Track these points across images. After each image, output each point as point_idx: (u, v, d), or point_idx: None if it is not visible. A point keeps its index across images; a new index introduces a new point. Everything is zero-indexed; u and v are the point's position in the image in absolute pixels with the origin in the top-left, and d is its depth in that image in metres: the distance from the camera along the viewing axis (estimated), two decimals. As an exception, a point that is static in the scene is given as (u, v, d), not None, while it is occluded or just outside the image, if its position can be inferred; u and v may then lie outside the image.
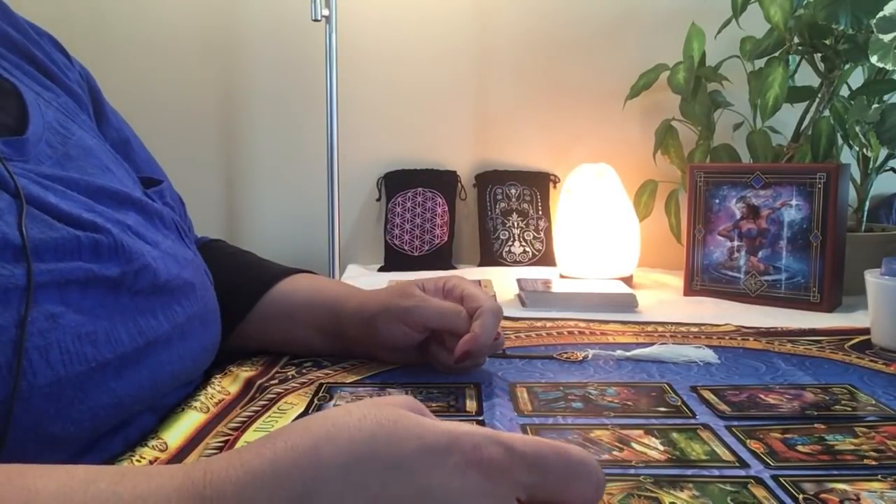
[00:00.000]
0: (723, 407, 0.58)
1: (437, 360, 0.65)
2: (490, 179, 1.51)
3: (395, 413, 0.31)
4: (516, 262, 1.45)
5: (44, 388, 0.37)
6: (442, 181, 1.51)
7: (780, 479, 0.44)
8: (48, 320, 0.38)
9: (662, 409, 0.57)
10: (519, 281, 1.12)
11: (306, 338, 0.69)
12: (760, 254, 1.05)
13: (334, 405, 0.57)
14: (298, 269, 0.73)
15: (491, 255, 1.47)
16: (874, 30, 0.94)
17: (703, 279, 1.10)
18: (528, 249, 1.46)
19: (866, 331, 0.80)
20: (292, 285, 0.70)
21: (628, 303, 1.00)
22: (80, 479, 0.29)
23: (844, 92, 1.18)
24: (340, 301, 0.67)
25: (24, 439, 0.37)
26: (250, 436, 0.50)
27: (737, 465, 0.47)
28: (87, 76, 0.62)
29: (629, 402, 0.59)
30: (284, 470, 0.29)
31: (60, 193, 0.44)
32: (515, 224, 1.48)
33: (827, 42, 1.11)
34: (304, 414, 0.55)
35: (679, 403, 0.58)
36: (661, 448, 0.49)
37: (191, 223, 0.72)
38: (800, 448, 0.49)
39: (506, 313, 0.94)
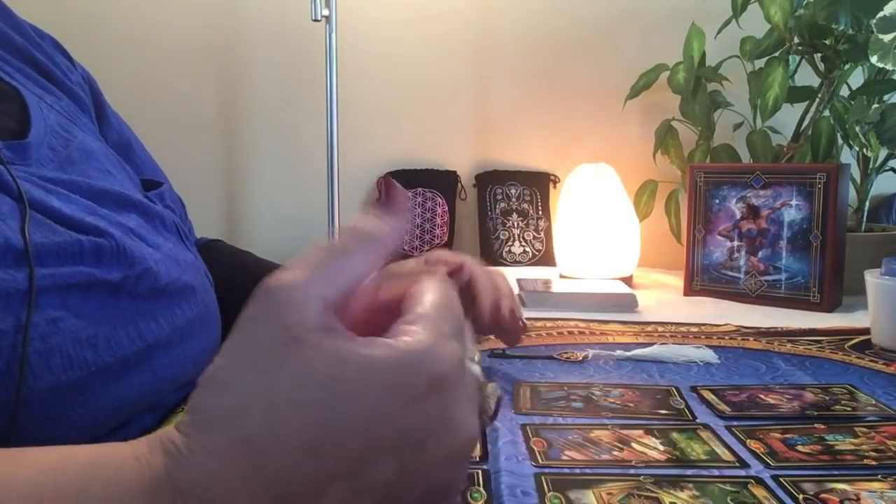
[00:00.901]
0: (723, 407, 0.58)
1: None
2: (490, 179, 1.51)
3: (322, 359, 0.27)
4: (516, 262, 1.45)
5: (44, 393, 0.37)
6: (442, 181, 1.51)
7: (780, 479, 0.44)
8: (49, 325, 0.38)
9: (664, 411, 0.57)
10: (519, 281, 1.11)
11: None
12: (760, 254, 1.05)
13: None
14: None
15: (491, 255, 1.47)
16: (874, 30, 0.94)
17: (703, 279, 1.10)
18: (528, 249, 1.46)
19: (866, 331, 0.80)
20: None
21: (628, 303, 1.00)
22: (48, 470, 0.28)
23: (844, 92, 1.18)
24: None
25: (24, 443, 0.37)
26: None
27: (737, 465, 0.47)
28: (88, 78, 0.62)
29: (631, 404, 0.59)
30: (248, 465, 0.27)
31: (63, 197, 0.44)
32: (515, 224, 1.48)
33: (827, 42, 1.11)
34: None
35: (682, 406, 0.58)
36: (661, 448, 0.49)
37: (191, 225, 0.72)
38: (800, 448, 0.49)
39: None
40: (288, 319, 0.28)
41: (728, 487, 0.43)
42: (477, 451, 0.49)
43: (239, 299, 0.70)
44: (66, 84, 0.57)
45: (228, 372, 0.29)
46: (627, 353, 0.73)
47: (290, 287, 0.29)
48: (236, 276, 0.69)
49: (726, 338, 0.81)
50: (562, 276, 1.25)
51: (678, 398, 0.60)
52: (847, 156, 1.20)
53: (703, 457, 0.48)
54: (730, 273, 1.08)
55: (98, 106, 0.61)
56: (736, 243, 1.07)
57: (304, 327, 0.28)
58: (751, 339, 0.81)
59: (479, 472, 0.45)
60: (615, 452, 0.48)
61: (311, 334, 0.28)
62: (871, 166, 1.16)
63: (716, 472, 0.45)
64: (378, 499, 0.27)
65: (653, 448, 0.49)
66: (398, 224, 0.32)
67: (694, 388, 0.62)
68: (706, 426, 0.53)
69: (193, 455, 0.28)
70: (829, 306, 0.99)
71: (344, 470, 0.27)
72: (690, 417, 0.56)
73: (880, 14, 0.93)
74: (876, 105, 1.05)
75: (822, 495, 0.42)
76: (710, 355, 0.72)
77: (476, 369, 0.31)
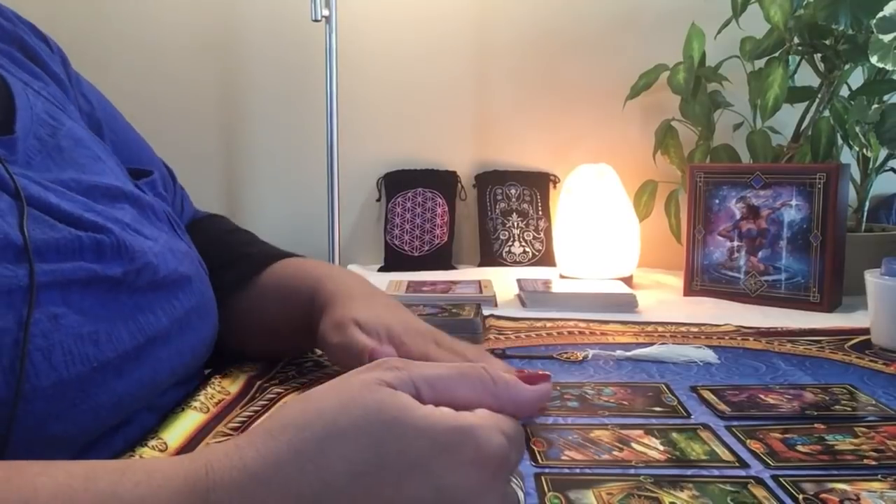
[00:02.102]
0: (723, 407, 0.58)
1: None
2: (490, 179, 1.51)
3: (394, 403, 0.31)
4: (516, 263, 1.45)
5: (46, 390, 0.37)
6: (442, 181, 1.51)
7: (780, 479, 0.44)
8: (50, 321, 0.38)
9: (658, 409, 0.57)
10: (519, 281, 1.11)
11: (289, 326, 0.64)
12: (760, 254, 1.05)
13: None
14: (278, 256, 0.67)
15: (491, 256, 1.47)
16: (874, 30, 0.94)
17: (703, 279, 1.10)
18: (528, 249, 1.46)
19: (866, 331, 0.80)
20: (263, 286, 0.65)
21: (628, 303, 1.00)
22: (80, 476, 0.29)
23: (844, 92, 1.18)
24: (316, 310, 0.61)
25: (26, 440, 0.37)
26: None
27: (736, 465, 0.47)
28: (64, 60, 0.60)
29: (625, 402, 0.59)
30: (290, 474, 0.29)
31: (60, 194, 0.44)
32: (515, 224, 1.47)
33: (827, 42, 1.11)
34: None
35: (675, 403, 0.59)
36: (661, 448, 0.49)
37: (185, 194, 0.70)
38: (800, 448, 0.49)
39: (506, 313, 0.95)
40: (383, 376, 0.33)
41: (728, 487, 0.43)
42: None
43: (218, 285, 0.63)
44: (53, 69, 0.56)
45: (316, 392, 0.33)
46: (627, 354, 0.73)
47: (399, 364, 0.34)
48: (215, 260, 0.63)
49: (726, 338, 0.81)
50: (562, 276, 1.25)
51: (670, 395, 0.60)
52: (847, 156, 1.20)
53: (703, 457, 0.48)
54: (730, 273, 1.08)
55: (72, 84, 0.60)
56: (736, 243, 1.07)
57: (391, 383, 0.32)
58: (751, 339, 0.81)
59: None
60: (615, 452, 0.48)
61: (394, 387, 0.32)
62: (871, 166, 1.16)
63: (716, 472, 0.45)
64: None
65: (653, 448, 0.49)
66: (525, 396, 0.36)
67: (694, 388, 0.62)
68: (706, 426, 0.53)
69: (242, 458, 0.30)
70: (829, 306, 0.99)
71: None
72: (685, 414, 0.56)
73: (880, 14, 0.93)
74: (876, 105, 1.05)
75: (822, 495, 0.42)
76: (710, 355, 0.72)
77: (519, 493, 0.36)
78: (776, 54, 1.15)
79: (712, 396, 0.60)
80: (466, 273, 1.37)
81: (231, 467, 0.29)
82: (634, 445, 0.50)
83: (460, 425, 0.31)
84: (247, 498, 0.29)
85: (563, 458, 0.48)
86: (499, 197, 1.49)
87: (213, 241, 0.68)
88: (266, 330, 0.65)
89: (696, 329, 0.85)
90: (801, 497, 0.42)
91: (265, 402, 0.57)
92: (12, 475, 0.28)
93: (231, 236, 0.71)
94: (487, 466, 0.31)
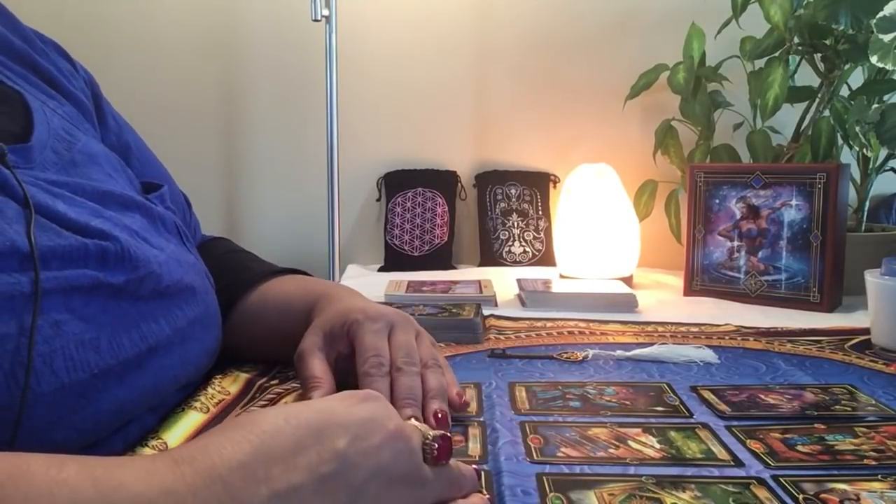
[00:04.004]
0: (723, 407, 0.58)
1: None
2: (490, 179, 1.51)
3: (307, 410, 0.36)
4: (516, 262, 1.45)
5: (48, 396, 0.37)
6: (442, 181, 1.51)
7: (781, 479, 0.44)
8: (52, 328, 0.38)
9: (660, 408, 0.57)
10: (519, 281, 1.12)
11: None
12: (760, 254, 1.05)
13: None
14: (279, 271, 0.69)
15: (491, 255, 1.47)
16: (874, 30, 0.94)
17: (703, 279, 1.10)
18: (528, 249, 1.46)
19: (866, 331, 0.80)
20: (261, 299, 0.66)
21: (628, 303, 1.00)
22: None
23: (844, 92, 1.18)
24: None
25: (26, 446, 0.37)
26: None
27: (732, 464, 0.47)
28: (90, 81, 0.62)
29: (627, 402, 0.59)
30: (256, 451, 0.32)
31: (69, 200, 0.44)
32: (515, 224, 1.48)
33: (827, 42, 1.11)
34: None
35: (677, 403, 0.59)
36: (658, 446, 0.49)
37: (197, 221, 0.72)
38: (800, 448, 0.49)
39: (506, 313, 0.95)
40: None
41: (730, 488, 0.43)
42: (477, 452, 0.49)
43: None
44: (69, 89, 0.57)
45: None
46: (627, 353, 0.73)
47: None
48: (217, 273, 0.65)
49: (726, 338, 0.81)
50: (562, 276, 1.25)
51: (672, 395, 0.61)
52: (847, 156, 1.20)
53: (699, 455, 0.48)
54: (730, 273, 1.08)
55: (97, 108, 0.61)
56: (736, 243, 1.07)
57: None
58: (751, 339, 0.81)
59: (482, 472, 0.45)
60: (611, 450, 0.49)
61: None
62: (871, 166, 1.16)
63: (716, 472, 0.45)
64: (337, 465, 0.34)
65: (649, 446, 0.49)
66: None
67: (694, 388, 0.62)
68: (705, 426, 0.53)
69: (209, 437, 0.33)
70: (829, 306, 0.99)
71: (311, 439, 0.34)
72: (687, 414, 0.56)
73: (880, 14, 0.93)
74: (876, 105, 1.05)
75: (822, 495, 0.42)
76: (710, 355, 0.72)
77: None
78: (776, 54, 1.15)
79: (712, 396, 0.60)
80: (466, 273, 1.37)
81: (193, 445, 0.33)
82: (631, 443, 0.50)
83: (359, 415, 0.37)
84: (213, 457, 0.31)
85: (559, 454, 0.48)
86: (499, 197, 1.49)
87: (217, 258, 0.69)
88: (264, 339, 0.65)
89: (696, 329, 0.85)
90: (801, 497, 0.42)
91: (265, 402, 0.57)
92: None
93: (234, 255, 0.73)
94: (398, 439, 0.37)
